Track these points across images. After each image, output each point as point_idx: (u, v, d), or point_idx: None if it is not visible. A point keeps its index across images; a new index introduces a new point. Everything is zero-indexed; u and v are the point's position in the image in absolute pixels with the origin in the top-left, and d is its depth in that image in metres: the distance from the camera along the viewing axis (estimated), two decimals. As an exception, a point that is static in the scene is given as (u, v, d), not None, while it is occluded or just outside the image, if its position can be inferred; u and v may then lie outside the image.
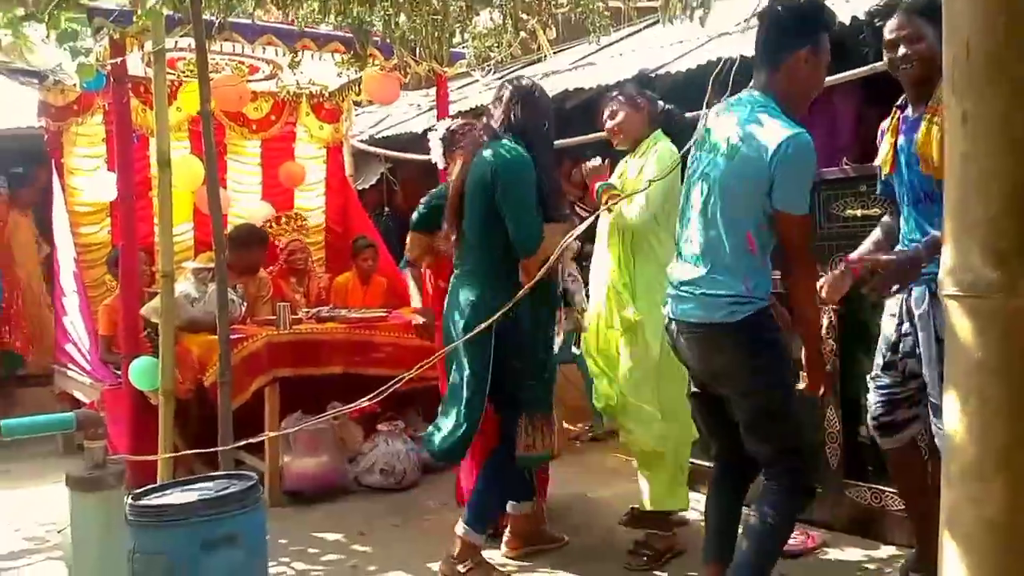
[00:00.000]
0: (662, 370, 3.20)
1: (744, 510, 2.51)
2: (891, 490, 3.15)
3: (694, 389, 2.59)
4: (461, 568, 3.05)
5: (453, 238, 3.18)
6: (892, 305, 2.65)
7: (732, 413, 2.46)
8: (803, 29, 2.38)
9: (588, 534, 3.61)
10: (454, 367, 3.09)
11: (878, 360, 2.71)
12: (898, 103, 2.63)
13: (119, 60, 4.08)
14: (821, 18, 2.41)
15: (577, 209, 5.39)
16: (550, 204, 3.07)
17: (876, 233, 2.76)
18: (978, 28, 1.15)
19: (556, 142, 4.78)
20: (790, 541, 3.09)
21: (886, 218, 2.80)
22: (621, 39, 6.20)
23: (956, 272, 1.19)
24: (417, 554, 3.42)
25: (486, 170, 2.99)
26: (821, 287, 2.53)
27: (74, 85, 5.01)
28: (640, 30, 6.30)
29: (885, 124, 2.68)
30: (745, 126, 2.32)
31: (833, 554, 3.25)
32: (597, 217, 2.86)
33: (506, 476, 3.13)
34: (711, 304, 2.34)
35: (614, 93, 3.49)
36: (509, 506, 3.24)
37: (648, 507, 3.32)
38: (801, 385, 2.43)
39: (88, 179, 5.35)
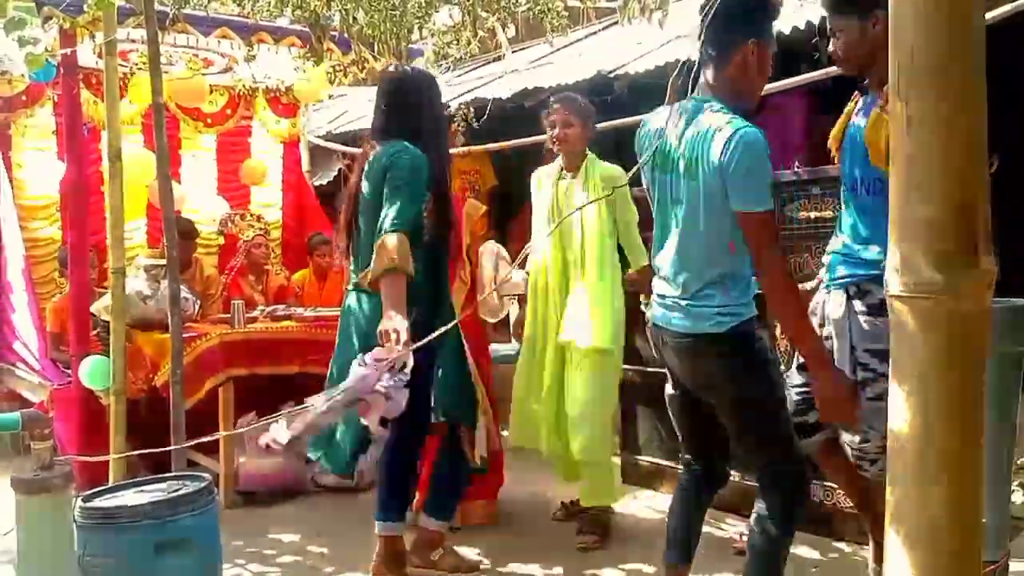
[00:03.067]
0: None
1: (747, 526, 2.44)
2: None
3: (672, 391, 2.53)
4: (434, 556, 3.09)
5: (347, 250, 2.99)
6: (810, 306, 2.57)
7: (717, 418, 2.41)
8: (750, 19, 2.31)
9: (542, 531, 3.64)
10: None
11: (795, 360, 2.64)
12: (860, 85, 2.53)
13: (69, 50, 3.99)
14: (767, 8, 2.36)
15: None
16: (444, 201, 2.98)
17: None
18: (922, 35, 1.17)
19: (523, 140, 4.75)
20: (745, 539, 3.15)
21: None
22: (580, 39, 6.22)
23: (901, 272, 1.22)
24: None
25: (381, 167, 2.84)
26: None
27: (22, 75, 4.89)
28: (598, 31, 6.33)
29: (849, 107, 2.56)
30: (696, 134, 2.26)
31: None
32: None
33: (459, 465, 3.17)
34: (698, 315, 2.30)
35: (571, 99, 3.53)
36: (422, 518, 3.18)
37: (590, 504, 3.52)
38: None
39: (36, 172, 5.23)
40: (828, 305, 2.44)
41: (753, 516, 2.38)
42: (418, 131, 2.91)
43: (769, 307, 2.35)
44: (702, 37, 2.32)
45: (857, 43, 2.34)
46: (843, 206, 2.50)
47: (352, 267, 3.02)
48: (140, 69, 4.99)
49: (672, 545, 2.54)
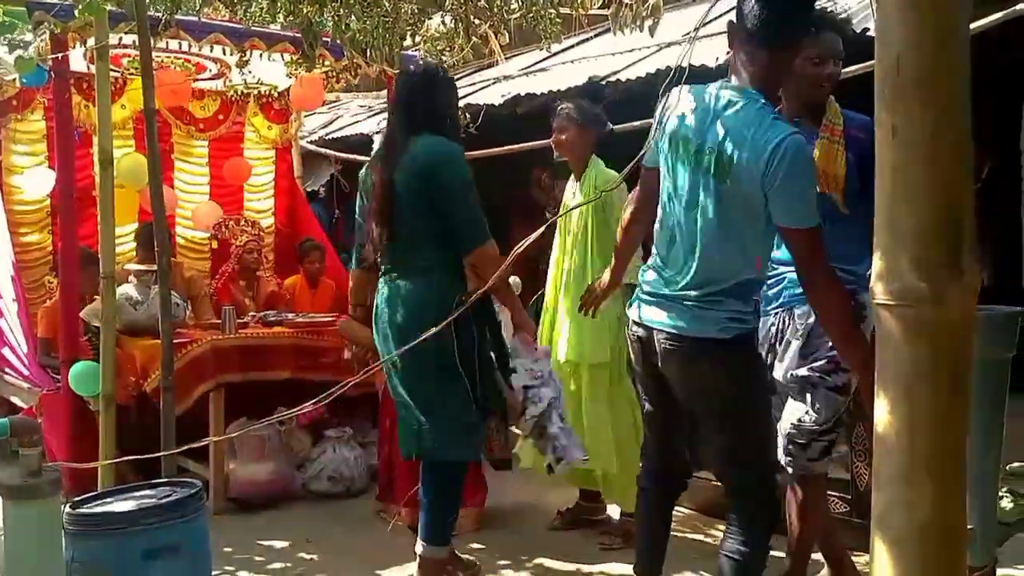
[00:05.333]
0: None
1: (724, 553, 2.30)
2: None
3: (648, 393, 2.42)
4: None
5: (381, 240, 2.98)
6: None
7: (703, 434, 2.33)
8: (809, 14, 2.16)
9: (535, 540, 3.63)
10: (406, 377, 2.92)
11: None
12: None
13: (60, 55, 3.98)
14: (814, 5, 2.19)
15: (548, 214, 5.43)
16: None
17: None
18: (909, 45, 1.19)
19: (513, 147, 4.75)
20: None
21: None
22: (572, 46, 6.25)
23: (886, 280, 1.23)
24: (365, 562, 3.39)
25: (422, 166, 2.86)
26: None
27: (13, 80, 4.88)
28: (591, 38, 6.35)
29: None
30: (733, 133, 2.06)
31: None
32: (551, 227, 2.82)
33: (450, 482, 2.97)
34: (703, 318, 2.14)
35: (568, 106, 3.52)
36: (420, 547, 2.92)
37: (629, 509, 3.46)
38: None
39: (27, 177, 5.21)
40: (770, 328, 2.48)
41: (727, 542, 2.28)
42: (444, 123, 2.97)
43: (821, 325, 2.25)
44: (752, 24, 2.09)
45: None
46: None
47: (387, 255, 2.97)
48: (132, 74, 4.98)
49: (644, 558, 2.51)
